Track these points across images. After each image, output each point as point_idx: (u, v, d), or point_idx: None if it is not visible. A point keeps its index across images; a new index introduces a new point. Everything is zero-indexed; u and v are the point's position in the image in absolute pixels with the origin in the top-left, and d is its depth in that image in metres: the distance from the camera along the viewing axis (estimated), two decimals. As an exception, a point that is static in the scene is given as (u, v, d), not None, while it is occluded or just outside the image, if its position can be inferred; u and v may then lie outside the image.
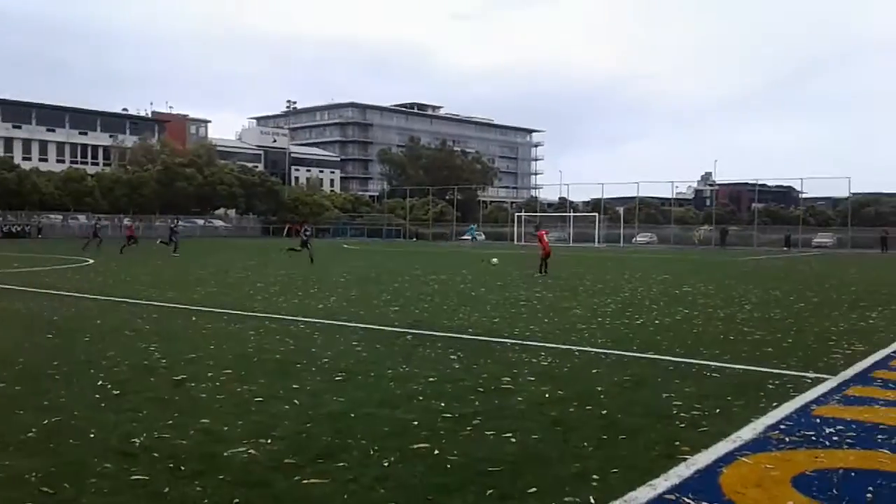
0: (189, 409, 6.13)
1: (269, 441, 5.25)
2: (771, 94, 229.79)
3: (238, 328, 10.85)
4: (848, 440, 5.45)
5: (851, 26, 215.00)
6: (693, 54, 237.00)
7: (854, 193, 73.34)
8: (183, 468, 4.66)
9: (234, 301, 14.36)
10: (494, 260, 27.04)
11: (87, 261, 28.36)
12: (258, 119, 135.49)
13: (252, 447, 5.10)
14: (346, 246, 50.70)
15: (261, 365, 8.03)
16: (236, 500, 4.13)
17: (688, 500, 4.22)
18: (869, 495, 4.33)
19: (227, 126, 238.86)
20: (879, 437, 5.52)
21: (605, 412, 6.18)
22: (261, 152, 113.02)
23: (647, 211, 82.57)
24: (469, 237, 69.95)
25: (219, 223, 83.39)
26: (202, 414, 5.95)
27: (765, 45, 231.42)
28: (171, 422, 5.70)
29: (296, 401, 6.41)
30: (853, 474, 4.70)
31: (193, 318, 11.82)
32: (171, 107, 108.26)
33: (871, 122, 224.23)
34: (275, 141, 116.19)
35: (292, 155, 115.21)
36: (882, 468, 4.82)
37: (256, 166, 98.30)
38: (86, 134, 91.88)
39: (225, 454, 4.95)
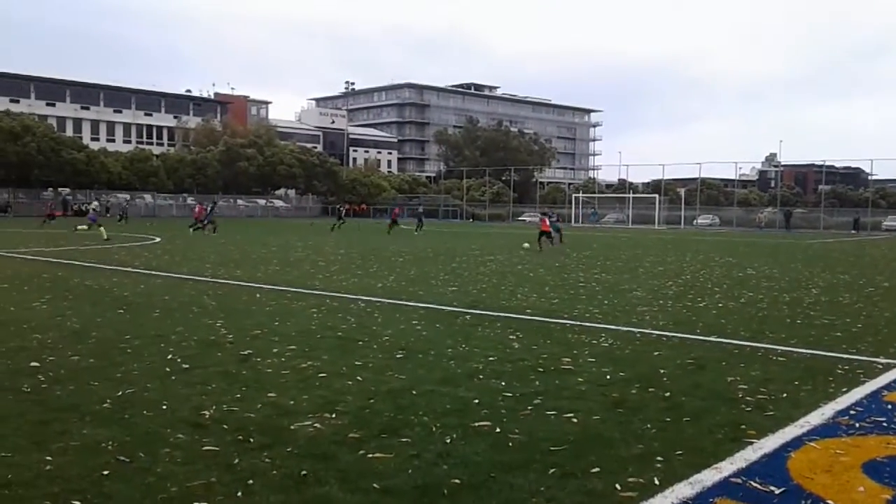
0: (256, 383, 6.29)
1: (333, 415, 5.35)
2: (838, 72, 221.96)
3: (301, 306, 11.05)
4: (922, 428, 5.29)
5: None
6: (757, 31, 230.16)
7: (928, 175, 70.50)
8: (252, 440, 4.79)
9: (296, 279, 14.62)
10: (526, 245, 26.86)
11: (155, 239, 29.18)
12: (317, 100, 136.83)
13: (317, 421, 5.21)
14: (403, 226, 50.98)
15: (323, 342, 8.18)
16: (303, 472, 4.23)
17: (754, 484, 4.16)
18: (945, 484, 4.20)
19: (286, 107, 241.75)
20: (956, 425, 5.33)
21: (667, 394, 6.12)
22: (319, 133, 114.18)
23: (708, 192, 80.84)
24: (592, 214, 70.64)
25: (279, 203, 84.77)
26: (268, 388, 6.10)
27: (832, 21, 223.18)
28: (238, 395, 5.86)
29: (358, 377, 6.51)
30: (927, 462, 4.57)
31: (257, 296, 12.07)
32: (232, 88, 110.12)
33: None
34: (333, 122, 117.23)
35: (350, 136, 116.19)
36: (959, 457, 4.66)
37: (315, 147, 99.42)
38: (151, 115, 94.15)
39: (291, 427, 5.07)
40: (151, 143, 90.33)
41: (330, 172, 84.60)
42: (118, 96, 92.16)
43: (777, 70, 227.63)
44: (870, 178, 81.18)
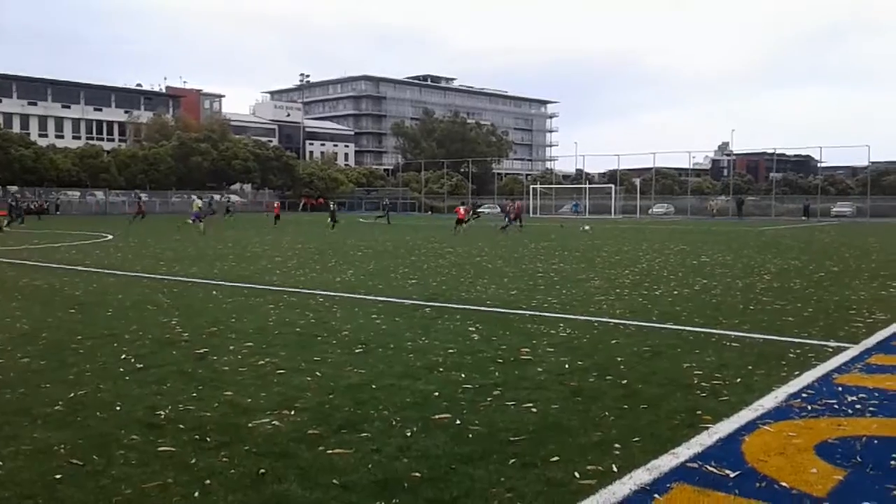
0: (212, 381, 6.19)
1: (292, 412, 5.30)
2: (789, 61, 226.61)
3: (258, 302, 10.92)
4: (871, 408, 5.43)
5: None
6: (708, 22, 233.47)
7: (873, 162, 72.64)
8: (208, 439, 4.72)
9: (253, 275, 14.45)
10: (587, 227, 27.49)
11: (107, 236, 28.59)
12: (272, 93, 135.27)
13: (276, 418, 5.15)
14: (361, 220, 50.74)
15: (281, 338, 8.10)
16: (262, 471, 4.18)
17: (710, 468, 4.23)
18: (893, 462, 4.31)
19: (241, 101, 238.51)
20: (903, 405, 5.49)
21: (625, 382, 6.19)
22: (275, 127, 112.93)
23: (663, 182, 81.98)
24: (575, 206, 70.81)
25: (235, 198, 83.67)
26: (225, 386, 6.01)
27: (782, 13, 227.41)
28: (194, 394, 5.77)
29: (317, 373, 6.46)
30: (876, 441, 4.69)
31: (214, 293, 11.90)
32: (185, 82, 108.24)
33: (890, 89, 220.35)
34: (288, 115, 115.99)
35: (306, 129, 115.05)
36: (906, 436, 4.79)
37: (271, 141, 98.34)
38: (101, 110, 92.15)
39: (249, 425, 5.01)
40: (102, 139, 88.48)
41: (286, 166, 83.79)
42: (67, 91, 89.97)
43: (728, 60, 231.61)
44: (819, 165, 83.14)
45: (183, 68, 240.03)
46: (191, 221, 32.79)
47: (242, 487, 3.96)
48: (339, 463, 4.32)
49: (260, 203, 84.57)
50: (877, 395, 5.78)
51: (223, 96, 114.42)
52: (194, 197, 41.55)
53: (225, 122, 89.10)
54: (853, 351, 7.43)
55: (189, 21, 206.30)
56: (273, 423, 5.07)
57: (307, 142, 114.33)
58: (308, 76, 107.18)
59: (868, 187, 65.19)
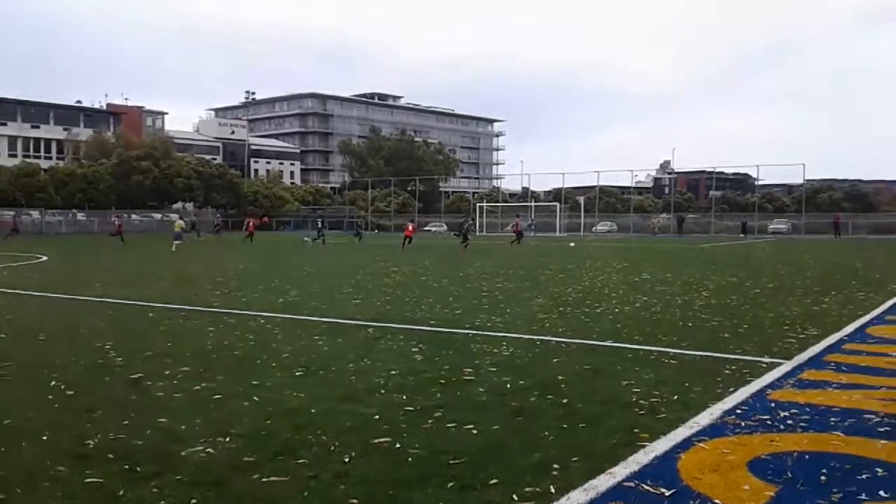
0: (145, 408, 6.02)
1: (227, 439, 5.18)
2: (728, 82, 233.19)
3: (196, 324, 10.70)
4: (802, 423, 5.57)
5: (807, 14, 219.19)
6: (649, 42, 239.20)
7: (808, 180, 75.00)
8: (139, 469, 4.58)
9: (192, 297, 14.16)
10: (572, 244, 27.60)
11: (41, 257, 27.74)
12: (216, 110, 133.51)
13: (210, 446, 5.03)
14: (306, 239, 50.27)
15: (220, 362, 7.93)
16: (193, 501, 4.07)
17: (646, 487, 4.27)
18: (823, 477, 4.42)
19: (184, 118, 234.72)
20: (832, 419, 5.64)
21: (565, 401, 6.23)
22: (219, 144, 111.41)
23: (607, 200, 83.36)
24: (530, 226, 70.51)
25: (176, 217, 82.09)
26: (159, 413, 5.85)
27: (722, 34, 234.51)
28: (126, 422, 5.60)
29: (255, 397, 6.34)
30: (807, 457, 4.80)
31: (150, 315, 11.62)
32: (126, 98, 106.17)
33: (824, 110, 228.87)
34: (233, 133, 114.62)
35: (251, 147, 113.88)
36: (835, 450, 4.92)
37: (215, 158, 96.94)
38: (38, 127, 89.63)
39: (182, 454, 4.88)
40: (39, 157, 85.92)
41: (230, 184, 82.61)
42: (2, 108, 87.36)
43: (669, 79, 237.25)
44: (756, 183, 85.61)
45: (125, 86, 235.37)
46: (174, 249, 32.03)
47: (173, 519, 3.85)
48: (274, 491, 4.23)
49: (203, 222, 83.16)
50: (808, 410, 5.92)
51: (166, 113, 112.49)
52: (174, 217, 40.45)
53: (168, 140, 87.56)
54: (786, 367, 7.61)
55: (131, 38, 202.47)
56: (207, 450, 4.95)
57: (252, 159, 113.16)
58: (254, 93, 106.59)
59: (803, 205, 67.24)
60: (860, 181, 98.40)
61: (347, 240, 47.58)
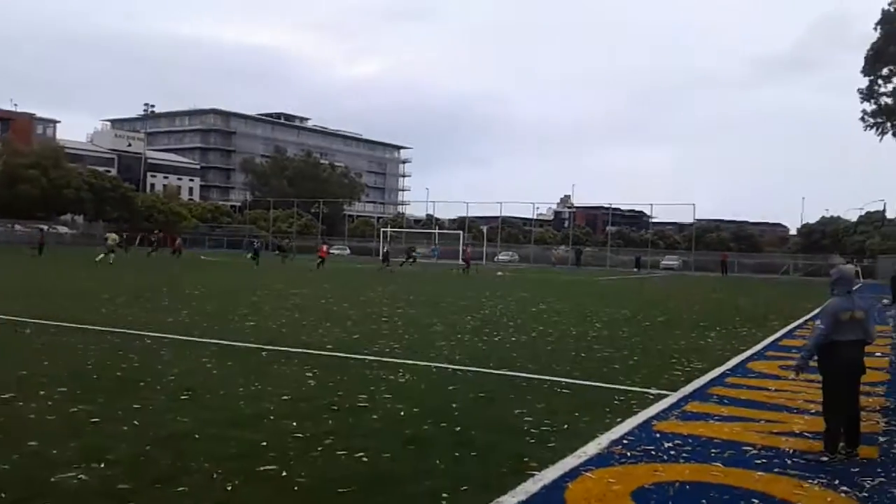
0: (16, 430, 5.65)
1: (102, 465, 4.91)
2: (625, 120, 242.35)
3: (76, 343, 10.14)
4: (685, 454, 5.74)
5: (702, 60, 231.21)
6: (549, 81, 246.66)
7: (698, 220, 78.56)
8: (3, 496, 4.27)
9: (75, 314, 13.43)
10: (500, 273, 27.44)
11: None
12: (112, 121, 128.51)
13: (83, 472, 4.75)
14: (203, 258, 48.82)
15: (99, 383, 7.54)
16: (60, 531, 3.82)
17: (533, 517, 4.29)
18: (701, 507, 4.55)
19: (79, 128, 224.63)
20: (713, 450, 5.84)
21: (458, 429, 6.21)
22: (114, 156, 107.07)
23: (508, 230, 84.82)
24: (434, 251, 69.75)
25: (64, 229, 78.19)
26: (30, 436, 5.49)
27: (620, 74, 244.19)
28: (-9, 446, 5.23)
29: (136, 421, 6.04)
30: (688, 487, 4.95)
31: (27, 332, 10.96)
32: (15, 105, 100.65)
33: (714, 153, 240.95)
34: (129, 145, 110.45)
35: (149, 160, 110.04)
36: (714, 481, 5.09)
37: (109, 171, 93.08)
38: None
39: (52, 479, 4.59)
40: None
41: (124, 198, 79.45)
42: None
43: (572, 117, 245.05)
44: (650, 220, 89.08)
45: (15, 91, 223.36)
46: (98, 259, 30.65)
47: (34, 552, 3.59)
48: (149, 521, 4.02)
49: (92, 235, 79.59)
50: (691, 441, 6.12)
51: (58, 122, 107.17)
52: (108, 234, 38.29)
53: (59, 149, 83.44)
54: (672, 398, 7.87)
55: (25, 43, 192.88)
56: (80, 476, 4.67)
57: (149, 174, 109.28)
58: (153, 106, 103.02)
59: (693, 243, 70.33)
60: (747, 223, 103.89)
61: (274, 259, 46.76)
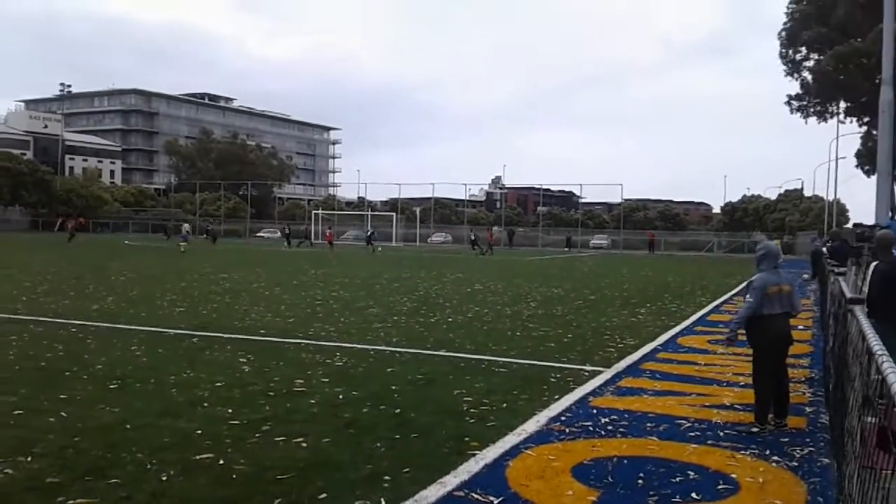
0: (-70, 427, 5.36)
1: (28, 458, 4.71)
2: (554, 103, 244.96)
3: (-4, 333, 9.71)
4: (621, 429, 5.85)
5: (616, 48, 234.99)
6: (483, 63, 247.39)
7: (626, 199, 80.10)
8: (-82, 496, 4.05)
9: (-7, 302, 12.86)
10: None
11: None
12: (27, 102, 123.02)
13: (9, 466, 4.56)
14: (127, 242, 47.38)
15: (22, 374, 7.23)
16: (-16, 530, 3.64)
17: (476, 496, 4.30)
18: (640, 481, 4.65)
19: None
20: (649, 424, 5.97)
21: (398, 411, 6.19)
22: (30, 139, 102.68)
23: (441, 211, 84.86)
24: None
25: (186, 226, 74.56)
26: (-54, 432, 5.22)
27: (548, 57, 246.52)
28: None
29: (63, 413, 5.81)
30: (626, 462, 5.04)
31: (-59, 323, 10.44)
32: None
33: (642, 134, 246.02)
34: (46, 127, 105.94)
35: (66, 143, 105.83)
36: (651, 454, 5.21)
37: (24, 154, 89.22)
38: None
39: (-26, 476, 4.37)
40: None
41: (41, 182, 76.27)
42: None
43: (500, 99, 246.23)
44: (580, 201, 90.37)
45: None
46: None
47: (-43, 553, 3.41)
48: (81, 516, 3.87)
49: (8, 220, 76.30)
50: (626, 416, 6.24)
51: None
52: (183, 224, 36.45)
53: (-31, 131, 79.55)
54: (606, 374, 8.01)
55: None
56: (5, 470, 4.48)
57: (67, 156, 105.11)
58: (70, 86, 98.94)
59: (621, 222, 71.75)
60: (672, 202, 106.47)
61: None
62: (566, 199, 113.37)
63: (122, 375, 7.24)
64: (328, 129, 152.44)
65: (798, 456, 5.25)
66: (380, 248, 45.95)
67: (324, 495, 4.24)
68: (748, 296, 5.98)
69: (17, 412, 5.80)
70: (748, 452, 5.29)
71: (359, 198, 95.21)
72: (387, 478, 4.56)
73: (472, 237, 50.86)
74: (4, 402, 6.09)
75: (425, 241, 72.04)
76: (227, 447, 5.08)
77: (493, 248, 47.37)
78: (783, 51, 44.96)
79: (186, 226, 44.77)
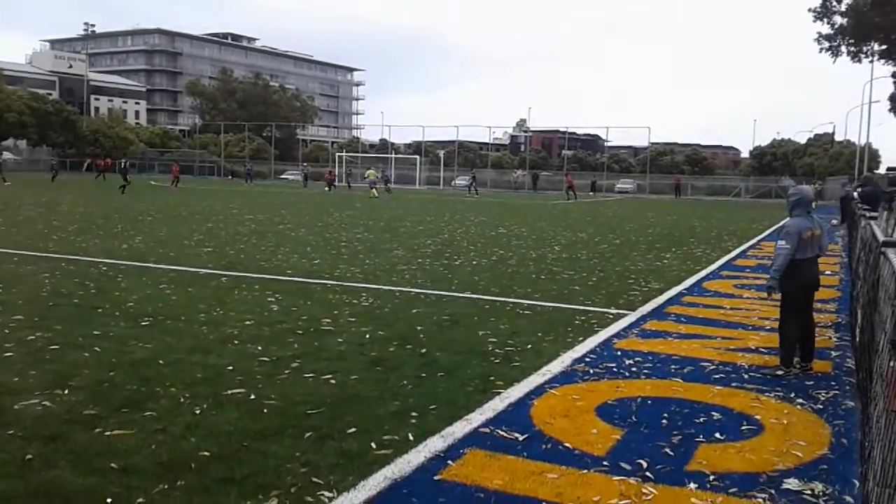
0: (-30, 360, 5.52)
1: (66, 392, 4.85)
2: (579, 46, 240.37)
3: (30, 270, 9.91)
4: (645, 371, 5.89)
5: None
6: (503, 5, 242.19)
7: (653, 143, 79.01)
8: (-36, 425, 4.20)
9: (26, 241, 13.09)
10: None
11: None
12: (52, 42, 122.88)
13: (47, 399, 4.70)
14: (153, 183, 47.73)
15: (56, 310, 7.40)
16: (28, 456, 3.79)
17: (501, 432, 4.38)
18: (664, 421, 4.70)
19: (15, 49, 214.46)
20: (673, 367, 6.01)
21: (424, 351, 6.27)
22: (55, 79, 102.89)
23: (465, 155, 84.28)
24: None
25: (7, 155, 75.40)
26: (-14, 365, 5.38)
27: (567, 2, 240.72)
28: (-53, 375, 5.11)
29: (97, 348, 5.96)
30: (650, 402, 5.09)
31: (-24, 260, 10.66)
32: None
33: (667, 77, 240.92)
34: (71, 67, 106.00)
35: (92, 83, 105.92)
36: (675, 395, 5.25)
37: (51, 94, 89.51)
38: None
39: (15, 407, 4.53)
40: None
41: (68, 122, 76.62)
42: None
43: (525, 41, 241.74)
44: (605, 144, 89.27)
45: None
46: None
47: (5, 475, 3.57)
48: (119, 445, 4.00)
49: (37, 161, 77.07)
50: (650, 358, 6.28)
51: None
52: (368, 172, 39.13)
53: (-4, 70, 79.79)
54: (631, 317, 8.03)
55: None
56: (44, 403, 4.62)
57: (93, 97, 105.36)
58: (94, 26, 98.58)
59: (648, 166, 70.90)
60: (699, 146, 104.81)
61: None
62: (591, 143, 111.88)
63: (153, 313, 7.38)
64: (352, 69, 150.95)
65: (823, 399, 5.27)
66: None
67: (353, 429, 4.34)
68: (784, 241, 5.87)
69: (52, 347, 5.96)
70: (773, 395, 5.32)
71: (381, 140, 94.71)
72: (414, 414, 4.65)
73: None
74: (40, 337, 6.24)
75: (449, 185, 71.83)
76: (258, 383, 5.20)
77: (575, 194, 47.40)
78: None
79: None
